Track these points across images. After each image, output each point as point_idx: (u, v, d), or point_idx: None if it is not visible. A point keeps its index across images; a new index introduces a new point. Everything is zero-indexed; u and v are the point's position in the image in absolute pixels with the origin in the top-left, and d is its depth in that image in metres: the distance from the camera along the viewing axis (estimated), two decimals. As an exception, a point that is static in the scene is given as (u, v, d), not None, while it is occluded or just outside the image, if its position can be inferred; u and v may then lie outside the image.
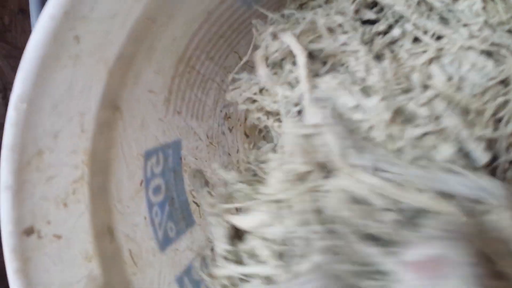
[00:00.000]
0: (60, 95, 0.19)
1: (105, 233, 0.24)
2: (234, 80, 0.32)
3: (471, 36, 0.22)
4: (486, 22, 0.22)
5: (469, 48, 0.22)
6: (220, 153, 0.39)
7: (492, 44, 0.22)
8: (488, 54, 0.22)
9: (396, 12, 0.24)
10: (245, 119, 0.42)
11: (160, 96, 0.28)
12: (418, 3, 0.24)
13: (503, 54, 0.22)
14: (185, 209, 0.33)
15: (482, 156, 0.20)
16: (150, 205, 0.29)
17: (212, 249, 0.31)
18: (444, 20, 0.24)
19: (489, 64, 0.21)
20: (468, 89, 0.21)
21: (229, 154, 0.41)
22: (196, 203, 0.35)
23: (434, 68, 0.22)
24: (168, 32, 0.25)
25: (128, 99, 0.25)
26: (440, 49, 0.23)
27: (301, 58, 0.24)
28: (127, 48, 0.22)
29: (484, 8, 0.22)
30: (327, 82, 0.24)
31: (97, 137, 0.23)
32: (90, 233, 0.23)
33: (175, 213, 0.32)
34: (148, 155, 0.28)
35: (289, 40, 0.24)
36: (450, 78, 0.22)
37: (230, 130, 0.41)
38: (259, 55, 0.27)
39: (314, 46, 0.25)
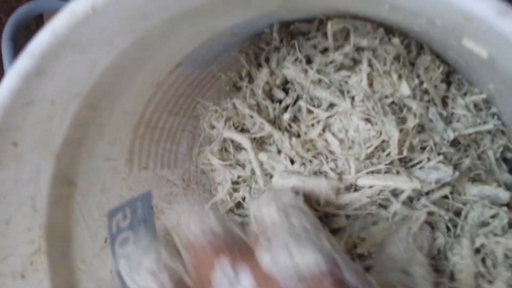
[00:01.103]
0: (6, 188, 0.22)
1: (67, 293, 0.27)
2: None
3: (353, 106, 0.25)
4: (367, 95, 0.25)
5: (351, 115, 0.25)
6: (200, 192, 0.41)
7: (370, 113, 0.25)
8: (367, 120, 0.25)
9: (298, 88, 0.27)
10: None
11: (119, 161, 0.31)
12: (319, 81, 0.27)
13: (381, 120, 0.25)
14: (157, 254, 0.36)
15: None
16: (117, 258, 0.32)
17: None
18: (339, 92, 0.27)
19: (368, 127, 0.25)
20: (356, 148, 0.25)
21: (210, 191, 0.43)
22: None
23: (328, 136, 0.26)
24: (116, 110, 0.27)
25: (84, 172, 0.27)
26: (329, 117, 0.26)
27: (248, 145, 0.27)
28: (72, 135, 0.25)
29: (371, 83, 0.25)
30: (262, 158, 0.27)
31: (52, 212, 0.26)
32: (51, 295, 0.26)
33: (146, 261, 0.34)
34: (112, 214, 0.31)
35: (230, 134, 0.27)
36: (341, 141, 0.25)
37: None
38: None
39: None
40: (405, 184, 0.23)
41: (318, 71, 0.27)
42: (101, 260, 0.30)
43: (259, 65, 0.33)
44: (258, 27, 0.31)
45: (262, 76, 0.31)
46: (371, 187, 0.23)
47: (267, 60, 0.32)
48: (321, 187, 0.23)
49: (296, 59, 0.28)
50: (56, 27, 0.18)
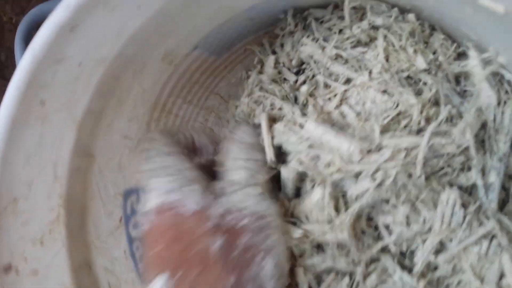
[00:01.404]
0: (31, 149, 0.22)
1: (83, 267, 0.27)
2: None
3: (371, 79, 0.25)
4: (384, 68, 0.26)
5: (369, 87, 0.25)
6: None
7: (387, 84, 0.25)
8: (384, 92, 0.26)
9: (314, 66, 0.28)
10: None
11: (136, 140, 0.31)
12: (336, 57, 0.28)
13: (399, 91, 0.25)
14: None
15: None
16: (131, 240, 0.31)
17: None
18: (356, 67, 0.27)
19: (385, 99, 0.25)
20: (373, 120, 0.25)
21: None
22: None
23: (345, 109, 0.26)
24: (136, 86, 0.28)
25: (102, 146, 0.28)
26: (346, 91, 0.27)
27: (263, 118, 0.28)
28: (95, 103, 0.25)
29: (387, 58, 0.26)
30: (278, 127, 0.27)
31: (71, 182, 0.26)
32: (68, 267, 0.26)
33: (158, 246, 0.34)
34: (127, 194, 0.31)
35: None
36: (358, 114, 0.25)
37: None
38: None
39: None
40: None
41: (336, 47, 0.28)
42: (116, 239, 0.30)
43: (274, 53, 0.34)
44: (273, 13, 0.33)
45: (270, 62, 0.32)
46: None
47: (282, 45, 0.33)
48: (351, 143, 0.23)
49: (313, 39, 0.29)
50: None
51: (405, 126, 0.25)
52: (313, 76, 0.29)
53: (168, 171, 0.24)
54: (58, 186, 0.25)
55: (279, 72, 0.33)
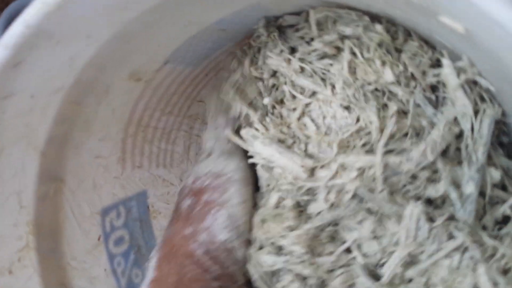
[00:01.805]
0: (-10, 183, 0.22)
1: (58, 290, 0.27)
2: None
3: (334, 94, 0.25)
4: (347, 83, 0.25)
5: (331, 102, 0.25)
6: (199, 192, 0.41)
7: (350, 100, 0.25)
8: (346, 108, 0.25)
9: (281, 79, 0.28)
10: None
11: (111, 158, 0.31)
12: (302, 70, 0.27)
13: (361, 106, 0.24)
14: (154, 253, 0.35)
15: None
16: (111, 257, 0.32)
17: None
18: (320, 81, 0.27)
19: (345, 114, 0.25)
20: (333, 135, 0.25)
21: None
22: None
23: (307, 121, 0.26)
24: (102, 107, 0.28)
25: (72, 169, 0.28)
26: (308, 104, 0.27)
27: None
28: (57, 130, 0.25)
29: (353, 70, 0.25)
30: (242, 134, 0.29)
31: (40, 208, 0.26)
32: (41, 292, 0.26)
33: (142, 260, 0.34)
34: (105, 212, 0.31)
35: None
36: (318, 127, 0.25)
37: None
38: None
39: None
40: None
41: (301, 60, 0.27)
42: (95, 258, 0.30)
43: (252, 62, 0.33)
44: (247, 23, 0.31)
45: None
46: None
47: (255, 55, 0.32)
48: (294, 163, 0.23)
49: (281, 51, 0.28)
50: (28, 17, 0.18)
51: (364, 144, 0.24)
52: (277, 87, 0.29)
53: None
54: (25, 214, 0.25)
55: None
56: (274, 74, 0.30)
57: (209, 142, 0.31)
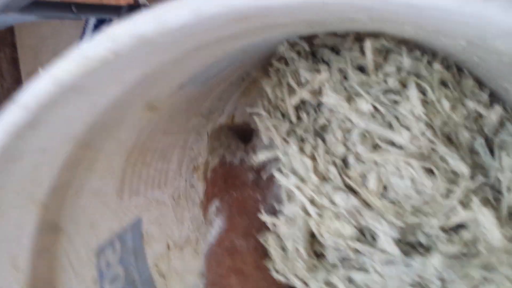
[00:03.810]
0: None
1: None
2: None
3: (413, 139, 0.21)
4: (428, 125, 0.21)
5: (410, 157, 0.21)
6: (189, 207, 0.38)
7: (431, 158, 0.21)
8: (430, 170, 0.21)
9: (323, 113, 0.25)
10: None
11: (109, 192, 0.27)
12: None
13: (443, 168, 0.21)
14: (147, 286, 0.32)
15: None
16: (107, 297, 0.28)
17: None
18: (386, 123, 0.23)
19: (429, 183, 0.20)
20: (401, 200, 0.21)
21: (199, 205, 0.40)
22: (160, 273, 0.34)
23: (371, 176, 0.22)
24: (109, 142, 0.23)
25: (71, 213, 0.23)
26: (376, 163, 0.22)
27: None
28: (61, 178, 0.21)
29: (425, 112, 0.21)
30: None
31: (36, 267, 0.22)
32: None
33: (137, 294, 0.31)
34: (101, 250, 0.27)
35: None
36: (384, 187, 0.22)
37: (199, 177, 0.40)
38: None
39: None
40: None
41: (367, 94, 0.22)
42: (90, 303, 0.26)
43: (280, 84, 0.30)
44: (270, 41, 0.28)
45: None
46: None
47: (280, 80, 0.28)
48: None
49: (334, 84, 0.24)
50: (60, 73, 0.14)
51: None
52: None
53: None
54: (20, 276, 0.21)
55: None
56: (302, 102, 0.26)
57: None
